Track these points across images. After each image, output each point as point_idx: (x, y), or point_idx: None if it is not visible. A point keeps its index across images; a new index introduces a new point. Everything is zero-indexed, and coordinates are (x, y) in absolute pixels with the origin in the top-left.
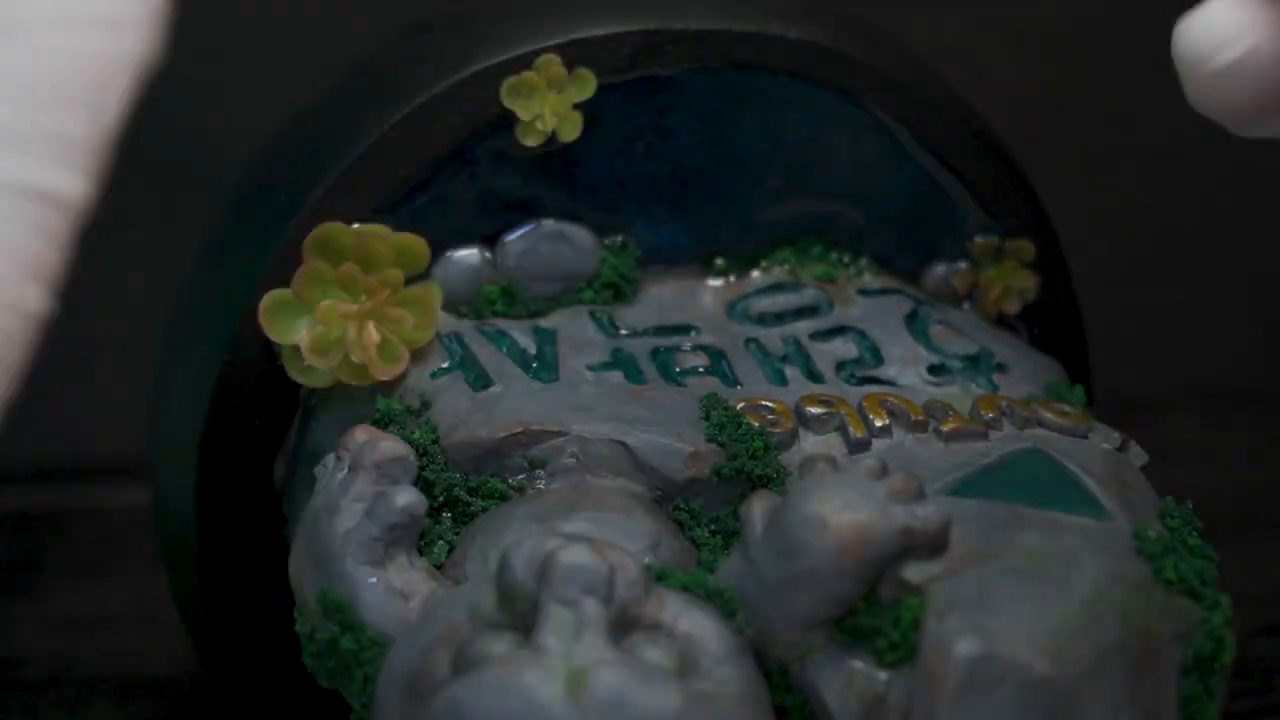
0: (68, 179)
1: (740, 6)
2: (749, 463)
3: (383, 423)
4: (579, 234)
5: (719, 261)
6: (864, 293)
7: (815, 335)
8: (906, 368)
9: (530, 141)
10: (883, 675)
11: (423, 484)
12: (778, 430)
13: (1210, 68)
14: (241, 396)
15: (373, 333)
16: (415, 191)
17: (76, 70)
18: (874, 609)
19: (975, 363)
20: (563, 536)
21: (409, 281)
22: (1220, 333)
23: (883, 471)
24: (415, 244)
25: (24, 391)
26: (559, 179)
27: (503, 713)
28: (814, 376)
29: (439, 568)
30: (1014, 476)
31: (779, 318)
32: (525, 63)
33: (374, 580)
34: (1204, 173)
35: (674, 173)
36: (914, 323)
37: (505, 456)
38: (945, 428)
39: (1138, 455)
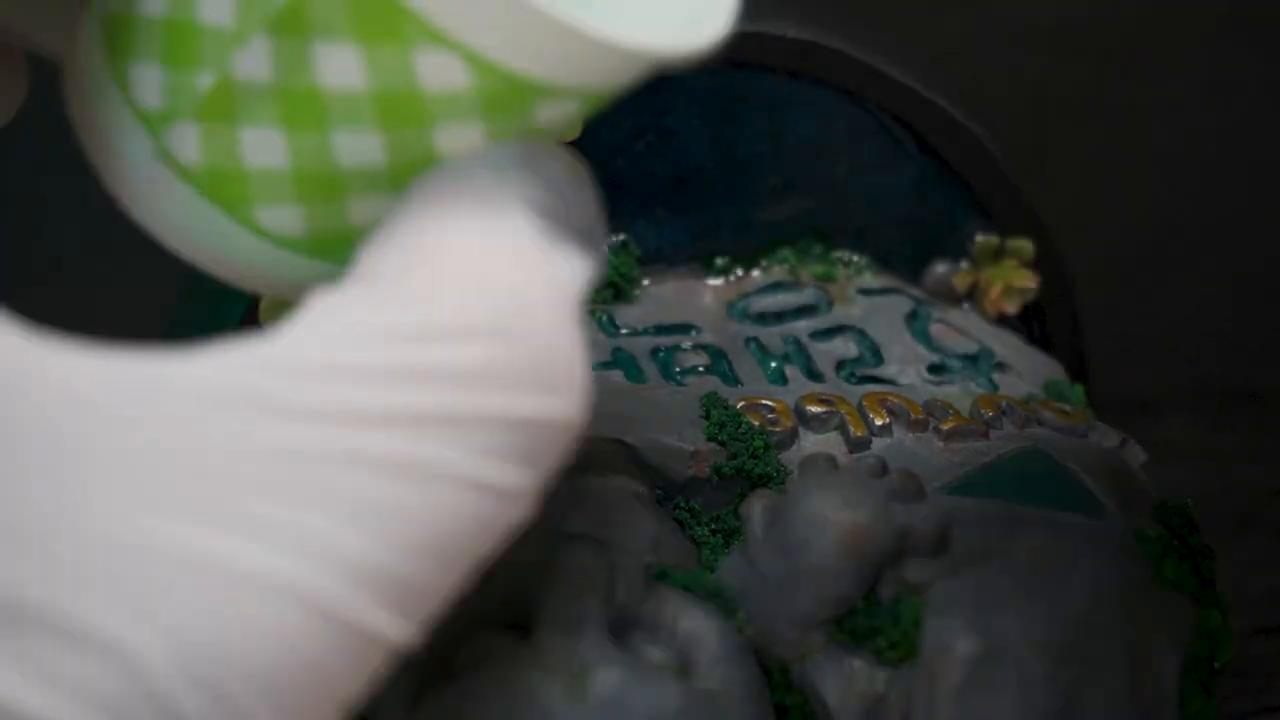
0: (403, 629)
1: (740, 6)
2: (749, 462)
3: None
4: None
5: (719, 261)
6: (864, 292)
7: (815, 334)
8: (906, 367)
9: None
10: (883, 674)
11: None
12: (778, 429)
13: None
14: None
15: None
16: None
17: (459, 526)
18: (874, 608)
19: (975, 362)
20: (563, 536)
21: None
22: (1220, 332)
23: (883, 470)
24: None
25: None
26: None
27: (503, 712)
28: (814, 376)
29: None
30: (1014, 476)
31: (779, 317)
32: None
33: None
34: (1204, 172)
35: (674, 173)
36: (914, 322)
37: None
38: (945, 427)
39: (1137, 455)
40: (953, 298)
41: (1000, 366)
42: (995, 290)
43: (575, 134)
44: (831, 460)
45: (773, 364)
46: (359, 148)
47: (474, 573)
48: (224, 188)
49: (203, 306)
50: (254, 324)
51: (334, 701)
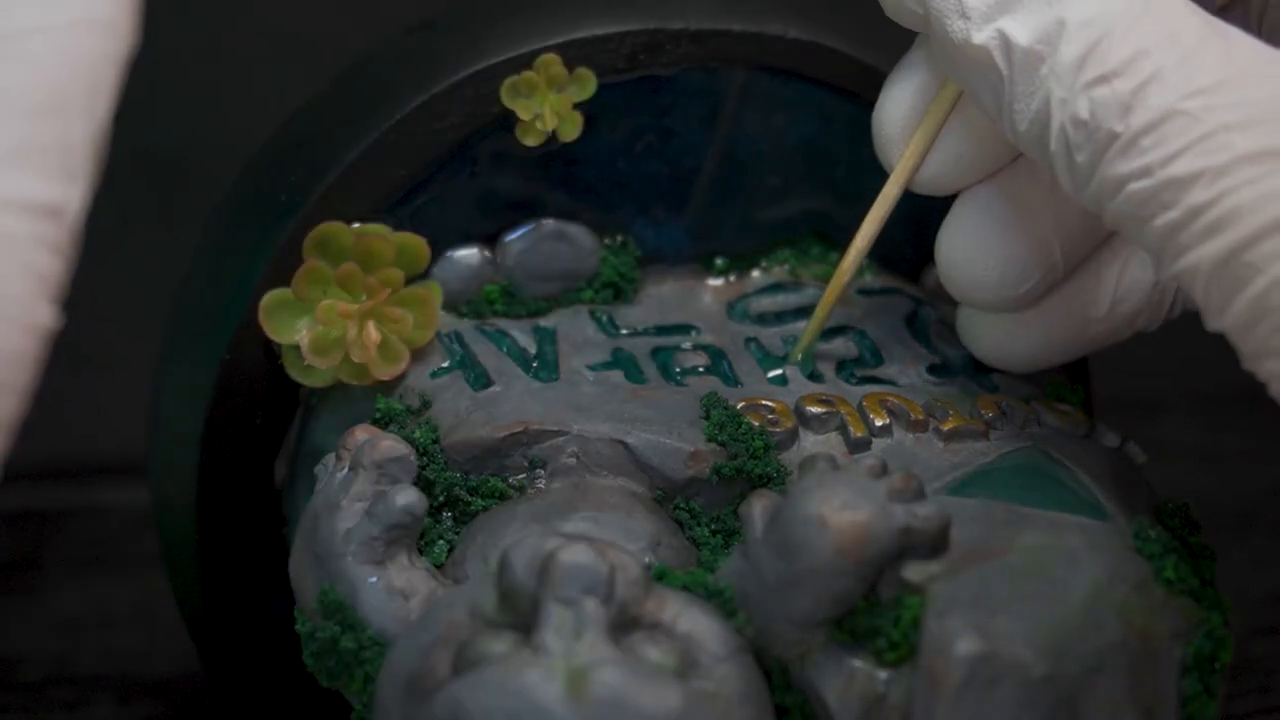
0: (69, 189)
1: (740, 6)
2: (749, 462)
3: (383, 422)
4: (579, 233)
5: (719, 261)
6: (864, 292)
7: None
8: (906, 367)
9: (530, 141)
10: (882, 674)
11: (423, 483)
12: (778, 430)
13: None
14: (241, 396)
15: (373, 332)
16: (415, 191)
17: (68, 75)
18: (874, 608)
19: (975, 362)
20: (563, 536)
21: (409, 281)
22: (1220, 333)
23: (883, 471)
24: (415, 243)
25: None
26: (559, 179)
27: (503, 712)
28: (814, 376)
29: (439, 567)
30: (1014, 476)
31: (779, 317)
32: (525, 62)
33: (374, 579)
34: None
35: (674, 173)
36: (914, 322)
37: (505, 456)
38: (945, 427)
39: (1137, 455)
40: (953, 298)
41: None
42: None
43: (575, 134)
44: (831, 460)
45: (773, 364)
46: None
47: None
48: None
49: (200, 310)
50: (254, 324)
51: (35, 287)
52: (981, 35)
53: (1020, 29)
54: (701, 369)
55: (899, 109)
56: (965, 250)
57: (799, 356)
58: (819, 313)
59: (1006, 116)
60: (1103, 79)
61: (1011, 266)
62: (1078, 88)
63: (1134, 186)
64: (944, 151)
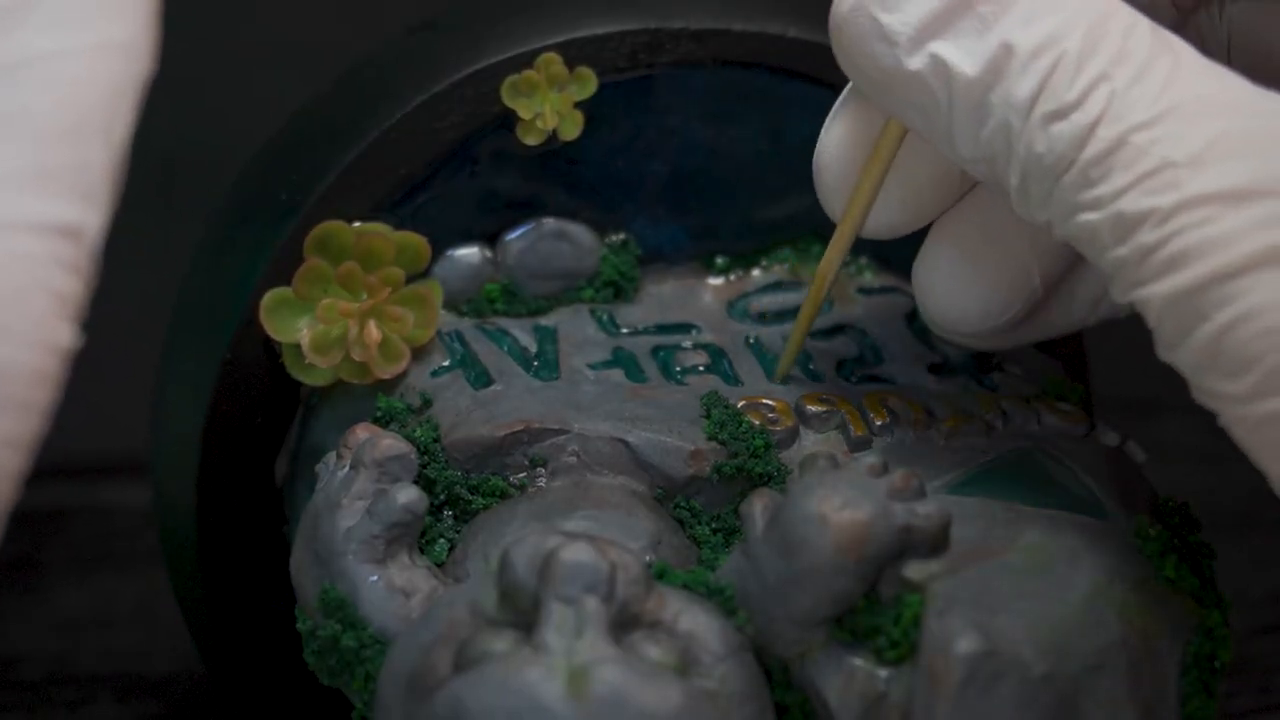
0: (87, 210)
1: (740, 6)
2: (749, 461)
3: (384, 421)
4: (580, 232)
5: (719, 260)
6: (864, 291)
7: (815, 334)
8: (907, 366)
9: (531, 140)
10: (883, 673)
11: (424, 482)
12: (778, 428)
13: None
14: (242, 395)
15: (374, 331)
16: (416, 190)
17: (87, 98)
18: (874, 607)
19: (976, 362)
20: (564, 534)
21: (410, 280)
22: None
23: (883, 469)
24: (416, 242)
25: None
26: (559, 177)
27: (504, 710)
28: (814, 375)
29: (440, 566)
30: (1014, 475)
31: (779, 316)
32: (526, 61)
33: (375, 578)
34: None
35: (674, 172)
36: (914, 321)
37: (506, 454)
38: (946, 426)
39: (1137, 454)
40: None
41: (1000, 366)
42: None
43: (576, 133)
44: (832, 459)
45: (773, 364)
46: None
47: (128, 133)
48: None
49: (201, 309)
50: (255, 323)
51: (55, 308)
52: (915, 61)
53: (963, 56)
54: (702, 368)
55: (839, 154)
56: (943, 287)
57: (780, 378)
58: (790, 346)
59: (945, 141)
60: (1059, 114)
61: (993, 299)
62: (1034, 123)
63: (1085, 217)
64: (900, 191)
